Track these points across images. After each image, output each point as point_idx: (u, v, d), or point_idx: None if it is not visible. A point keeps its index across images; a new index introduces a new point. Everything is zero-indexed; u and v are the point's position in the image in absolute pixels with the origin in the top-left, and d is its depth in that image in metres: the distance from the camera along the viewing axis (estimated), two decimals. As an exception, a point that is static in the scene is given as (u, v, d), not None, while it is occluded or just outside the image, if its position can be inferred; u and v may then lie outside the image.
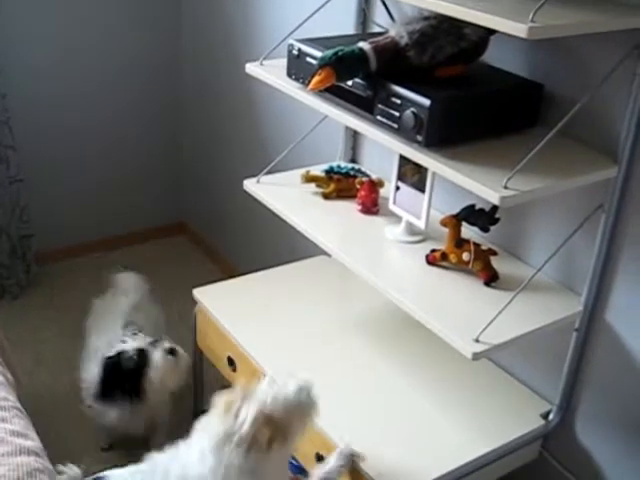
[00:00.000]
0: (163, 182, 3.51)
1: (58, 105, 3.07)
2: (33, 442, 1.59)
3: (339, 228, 1.90)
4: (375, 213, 1.96)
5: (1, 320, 2.40)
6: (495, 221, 1.71)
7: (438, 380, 1.91)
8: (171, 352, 2.13)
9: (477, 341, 1.48)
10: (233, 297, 2.19)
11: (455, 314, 1.58)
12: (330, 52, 1.55)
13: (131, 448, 2.25)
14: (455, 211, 1.75)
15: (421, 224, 1.79)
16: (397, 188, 1.83)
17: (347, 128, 2.23)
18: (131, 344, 2.13)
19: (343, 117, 1.68)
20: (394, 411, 1.82)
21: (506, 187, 1.37)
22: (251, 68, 1.92)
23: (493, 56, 1.70)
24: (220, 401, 1.54)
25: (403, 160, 1.76)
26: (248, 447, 1.48)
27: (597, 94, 1.51)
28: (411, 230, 1.85)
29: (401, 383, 1.90)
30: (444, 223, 1.75)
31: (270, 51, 1.90)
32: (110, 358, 2.12)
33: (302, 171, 2.06)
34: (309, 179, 2.04)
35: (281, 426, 1.52)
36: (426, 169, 1.69)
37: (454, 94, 1.54)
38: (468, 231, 1.77)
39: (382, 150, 2.04)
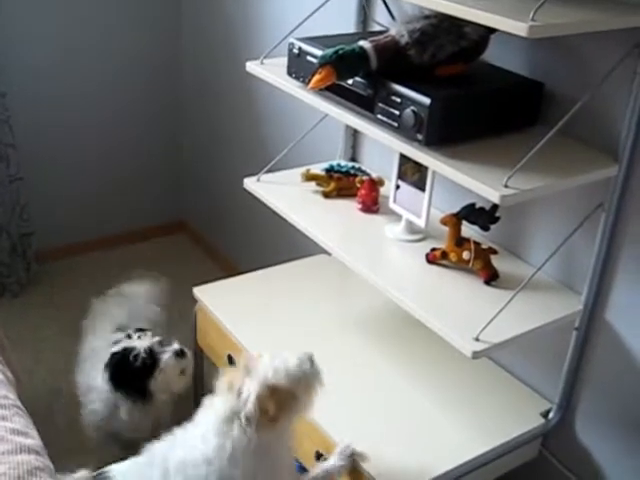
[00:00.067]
0: (163, 181, 3.51)
1: (58, 105, 3.07)
2: (33, 440, 1.59)
3: (339, 227, 1.90)
4: (375, 212, 1.96)
5: (1, 318, 2.40)
6: (495, 220, 1.71)
7: (438, 379, 1.91)
8: (180, 354, 2.10)
9: (477, 340, 1.49)
10: (233, 295, 2.20)
11: (455, 313, 1.58)
12: (330, 51, 1.55)
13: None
14: (455, 210, 1.75)
15: (421, 223, 1.79)
16: (397, 187, 1.84)
17: (347, 127, 2.23)
18: (140, 343, 2.09)
19: (343, 116, 1.68)
20: (394, 409, 1.82)
21: (506, 186, 1.37)
22: (251, 67, 1.92)
23: (494, 55, 1.70)
24: (222, 381, 1.53)
25: (403, 159, 1.77)
26: (254, 423, 1.46)
27: (597, 93, 1.51)
28: (411, 229, 1.85)
29: (401, 382, 1.90)
30: (444, 222, 1.75)
31: (270, 50, 1.90)
32: (116, 354, 2.08)
33: (302, 170, 2.06)
34: (309, 178, 2.04)
35: (286, 399, 1.50)
36: (426, 168, 1.69)
37: (454, 93, 1.54)
38: (468, 230, 1.77)
39: (382, 149, 2.05)
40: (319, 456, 1.74)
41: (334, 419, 1.74)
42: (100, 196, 3.34)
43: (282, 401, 1.49)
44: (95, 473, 1.62)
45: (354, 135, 2.28)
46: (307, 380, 1.54)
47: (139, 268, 2.60)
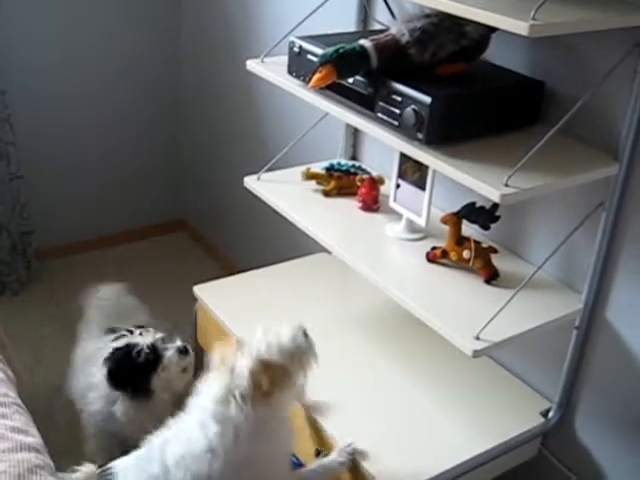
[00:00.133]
0: (163, 180, 3.51)
1: (58, 104, 3.08)
2: (34, 438, 1.59)
3: (339, 225, 1.90)
4: (375, 210, 1.96)
5: (1, 316, 2.40)
6: (495, 219, 1.71)
7: (438, 377, 1.91)
8: (183, 351, 2.08)
9: (477, 339, 1.49)
10: (233, 294, 2.20)
11: (455, 312, 1.58)
12: (331, 49, 1.55)
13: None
14: (456, 209, 1.75)
15: (421, 222, 1.79)
16: (397, 186, 1.84)
17: (348, 125, 2.23)
18: (143, 339, 2.07)
19: (344, 114, 1.68)
20: (394, 408, 1.82)
21: (507, 185, 1.37)
22: (252, 65, 1.92)
23: (494, 54, 1.70)
24: (215, 357, 1.51)
25: (404, 158, 1.77)
26: (249, 400, 1.45)
27: (598, 92, 1.51)
28: (411, 228, 1.85)
29: (401, 380, 1.90)
30: (444, 221, 1.75)
31: (271, 49, 1.90)
32: (118, 350, 2.07)
33: (302, 168, 2.06)
34: (309, 176, 2.04)
35: (280, 373, 1.49)
36: (427, 167, 1.69)
37: (455, 92, 1.54)
38: (468, 229, 1.77)
39: (383, 147, 2.04)
40: (318, 453, 1.74)
41: (334, 418, 1.74)
42: (100, 195, 3.34)
43: (276, 375, 1.48)
44: (100, 470, 1.62)
45: (354, 134, 2.28)
46: (301, 354, 1.54)
47: (139, 267, 2.60)
